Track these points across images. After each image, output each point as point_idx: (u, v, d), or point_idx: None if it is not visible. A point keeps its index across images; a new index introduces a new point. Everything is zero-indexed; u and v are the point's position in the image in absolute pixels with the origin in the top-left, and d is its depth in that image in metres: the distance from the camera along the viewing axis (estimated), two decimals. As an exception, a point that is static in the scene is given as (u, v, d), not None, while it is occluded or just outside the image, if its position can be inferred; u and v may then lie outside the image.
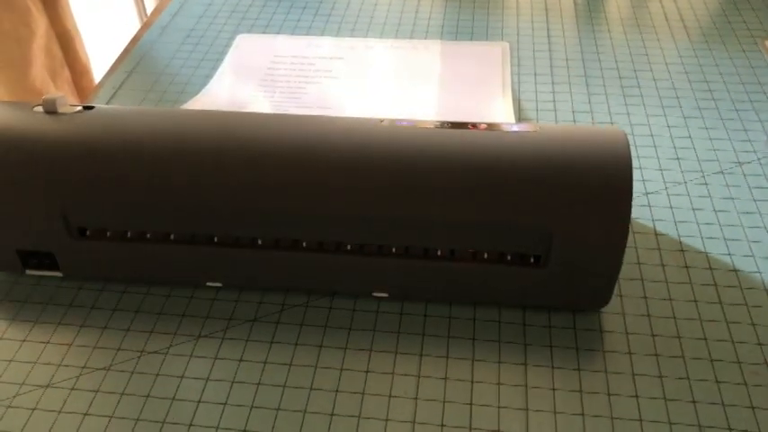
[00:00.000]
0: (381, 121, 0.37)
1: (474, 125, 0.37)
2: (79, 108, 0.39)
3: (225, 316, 0.37)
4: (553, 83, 0.54)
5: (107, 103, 0.53)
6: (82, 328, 0.37)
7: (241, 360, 0.35)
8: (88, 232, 0.38)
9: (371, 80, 0.54)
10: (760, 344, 0.35)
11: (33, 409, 0.33)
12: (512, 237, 0.34)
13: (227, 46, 0.59)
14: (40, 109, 0.39)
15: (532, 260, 0.35)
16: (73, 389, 0.34)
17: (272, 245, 0.37)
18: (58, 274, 0.39)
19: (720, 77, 0.54)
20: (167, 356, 0.35)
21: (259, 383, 0.34)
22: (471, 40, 0.59)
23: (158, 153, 0.36)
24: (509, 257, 0.35)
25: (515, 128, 0.36)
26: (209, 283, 0.38)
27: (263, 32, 0.61)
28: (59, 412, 0.33)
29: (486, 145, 0.35)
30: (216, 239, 0.37)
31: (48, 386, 0.34)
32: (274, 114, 0.38)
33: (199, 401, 0.33)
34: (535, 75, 0.55)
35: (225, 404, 0.33)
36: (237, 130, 0.36)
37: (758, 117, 0.50)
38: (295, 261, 0.37)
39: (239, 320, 0.37)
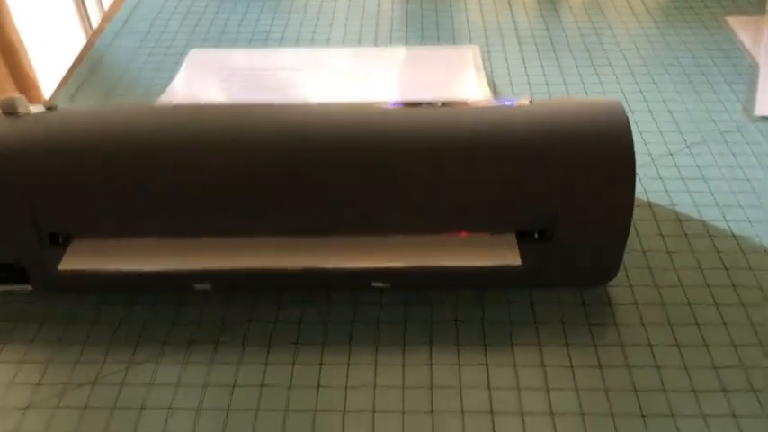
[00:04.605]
0: (371, 104, 0.36)
1: (466, 103, 0.36)
2: (41, 109, 0.36)
3: (217, 320, 0.35)
4: (525, 65, 0.53)
5: (63, 111, 0.50)
6: (59, 343, 0.34)
7: (240, 362, 0.33)
8: (60, 239, 0.35)
9: (337, 86, 0.52)
10: (770, 305, 0.34)
11: (15, 434, 0.30)
12: (515, 214, 0.33)
13: (183, 54, 0.57)
14: (-3, 111, 0.36)
15: (537, 236, 0.34)
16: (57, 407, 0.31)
17: (263, 234, 0.34)
18: (28, 287, 0.36)
19: (690, 53, 0.54)
20: (159, 366, 0.33)
21: (262, 385, 0.32)
22: (438, 38, 0.58)
23: (131, 150, 0.33)
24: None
25: (509, 102, 0.35)
26: (197, 286, 0.36)
27: (219, 39, 0.59)
28: (45, 434, 0.30)
29: (484, 120, 0.34)
30: (201, 236, 0.35)
31: (27, 407, 0.31)
32: (254, 104, 0.36)
33: (199, 409, 0.31)
34: (506, 58, 0.54)
35: (228, 410, 0.31)
36: (214, 121, 0.34)
37: (731, 89, 0.50)
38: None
39: (234, 323, 0.35)
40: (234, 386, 0.32)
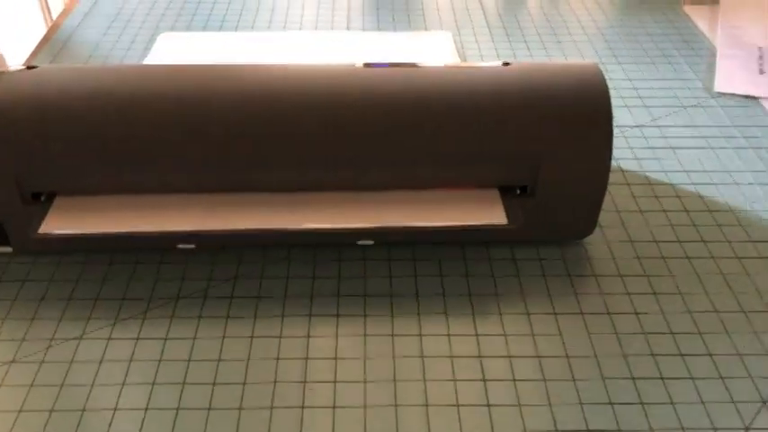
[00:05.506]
0: (354, 66, 0.36)
1: (445, 65, 0.37)
2: (21, 68, 0.36)
3: (204, 277, 0.35)
4: (496, 49, 0.55)
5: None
6: (42, 301, 0.33)
7: (228, 317, 0.33)
8: (42, 197, 0.35)
9: (313, 59, 0.53)
10: (738, 257, 0.36)
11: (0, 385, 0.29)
12: (500, 168, 0.34)
13: (153, 38, 0.57)
14: (-24, 70, 0.36)
15: (518, 192, 0.35)
16: (43, 362, 0.30)
17: (250, 189, 0.35)
18: (8, 249, 0.36)
19: (651, 39, 0.56)
20: (145, 321, 0.32)
21: (252, 336, 0.32)
22: (409, 24, 0.59)
23: (113, 106, 0.33)
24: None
25: (493, 63, 0.36)
26: (180, 246, 0.36)
27: (190, 24, 0.59)
28: (31, 386, 0.29)
29: (471, 79, 0.35)
30: (182, 191, 0.35)
31: (12, 362, 0.30)
32: (236, 65, 0.37)
33: (189, 360, 0.31)
34: (477, 41, 0.56)
35: (219, 360, 0.31)
36: (195, 77, 0.34)
37: (691, 69, 0.52)
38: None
39: (220, 280, 0.35)
40: (223, 338, 0.32)
